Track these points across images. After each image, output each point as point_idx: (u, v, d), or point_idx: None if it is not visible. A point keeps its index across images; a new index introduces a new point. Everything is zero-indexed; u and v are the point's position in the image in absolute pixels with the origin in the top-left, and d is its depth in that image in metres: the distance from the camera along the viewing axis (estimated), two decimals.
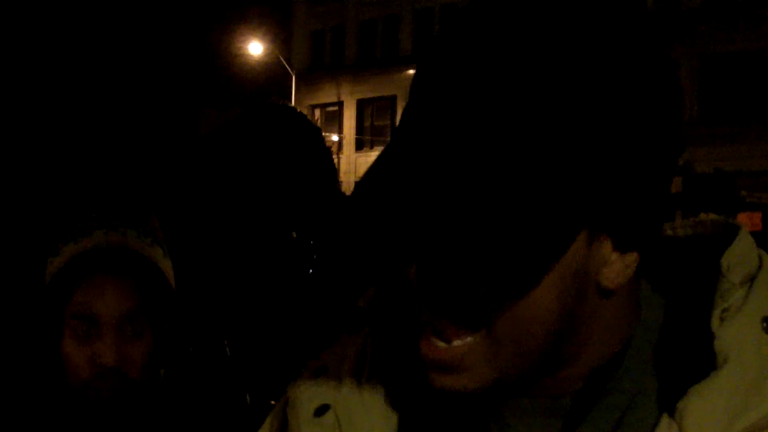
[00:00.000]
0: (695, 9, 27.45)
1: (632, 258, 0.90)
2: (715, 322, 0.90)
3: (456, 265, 0.85)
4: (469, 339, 0.89)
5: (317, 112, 36.92)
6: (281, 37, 37.19)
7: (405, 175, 0.86)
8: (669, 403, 0.88)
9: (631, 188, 0.86)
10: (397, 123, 0.92)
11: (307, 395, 1.06)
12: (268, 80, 34.14)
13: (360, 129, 38.05)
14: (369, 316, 1.08)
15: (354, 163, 35.95)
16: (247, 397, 2.10)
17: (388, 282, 1.06)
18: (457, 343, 0.89)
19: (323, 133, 2.77)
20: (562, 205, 0.83)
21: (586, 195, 0.84)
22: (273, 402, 2.40)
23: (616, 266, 0.89)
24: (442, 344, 0.90)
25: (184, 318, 1.82)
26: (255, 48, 36.10)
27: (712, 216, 1.01)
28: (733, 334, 0.89)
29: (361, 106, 37.85)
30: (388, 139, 0.92)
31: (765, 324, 0.90)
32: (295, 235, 2.54)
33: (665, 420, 0.88)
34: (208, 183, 2.62)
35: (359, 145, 37.34)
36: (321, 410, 1.04)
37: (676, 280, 0.97)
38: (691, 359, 0.90)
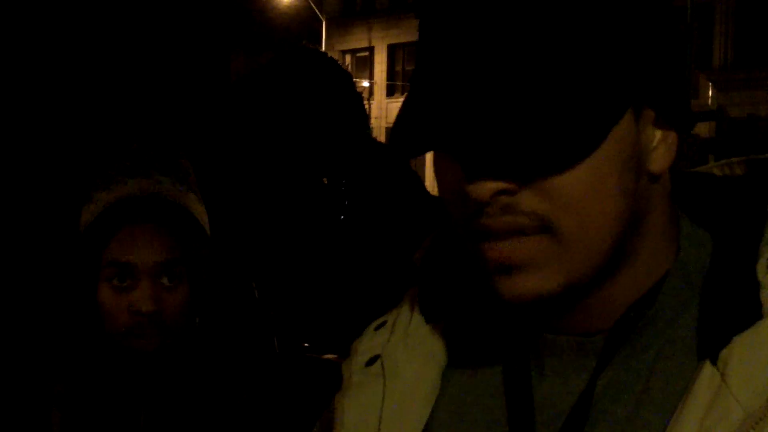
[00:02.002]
0: None
1: (672, 138, 0.92)
2: (761, 271, 0.89)
3: (513, 148, 0.84)
4: (537, 236, 0.88)
5: (348, 57, 36.74)
6: None
7: (454, 62, 0.87)
8: (710, 350, 0.87)
9: (663, 61, 0.91)
10: None
11: (362, 348, 1.09)
12: (299, 25, 34.00)
13: (391, 74, 37.83)
14: (421, 270, 1.08)
15: (385, 108, 35.82)
16: (275, 342, 2.11)
17: (442, 233, 1.07)
18: (524, 240, 0.88)
19: (354, 79, 2.75)
20: (609, 78, 0.86)
21: (629, 67, 0.87)
22: (306, 345, 2.42)
23: (660, 148, 0.91)
24: (509, 242, 0.88)
25: (220, 265, 1.82)
26: None
27: (761, 156, 1.00)
28: None
29: (393, 51, 37.63)
30: None
31: None
32: (326, 182, 2.54)
33: (708, 368, 0.86)
34: (238, 128, 2.62)
35: (390, 91, 37.17)
36: (371, 361, 1.06)
37: (722, 222, 0.96)
38: (735, 307, 0.88)
